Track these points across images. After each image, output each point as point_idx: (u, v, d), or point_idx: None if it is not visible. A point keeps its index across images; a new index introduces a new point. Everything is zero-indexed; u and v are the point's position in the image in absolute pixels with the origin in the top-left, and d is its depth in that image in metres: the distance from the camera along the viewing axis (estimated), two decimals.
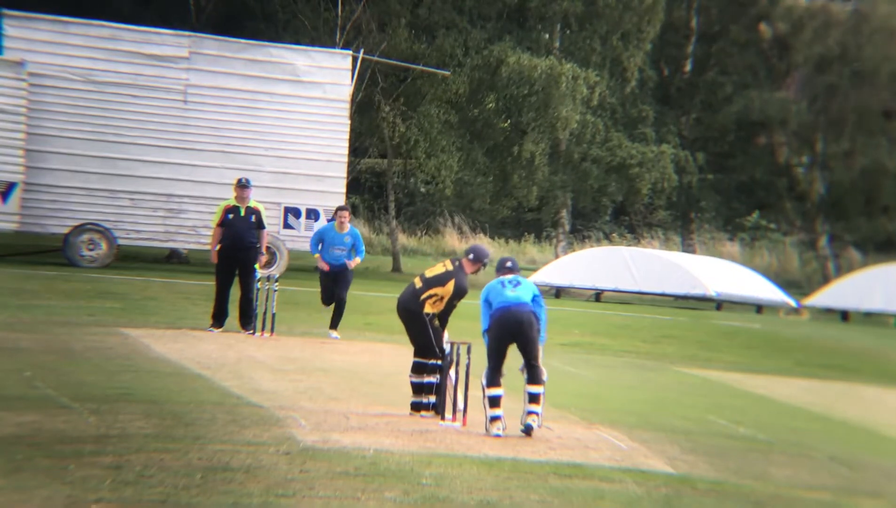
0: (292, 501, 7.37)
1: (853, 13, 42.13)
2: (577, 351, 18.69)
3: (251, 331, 16.31)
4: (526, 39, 37.03)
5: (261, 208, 16.78)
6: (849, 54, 41.68)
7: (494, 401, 10.23)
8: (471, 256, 11.11)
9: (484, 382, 10.30)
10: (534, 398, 10.27)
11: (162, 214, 27.62)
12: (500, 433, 10.13)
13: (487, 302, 10.48)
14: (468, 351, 10.37)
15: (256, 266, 16.54)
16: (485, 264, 11.20)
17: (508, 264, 10.77)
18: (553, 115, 35.17)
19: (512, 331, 10.32)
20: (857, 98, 41.89)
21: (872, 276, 32.80)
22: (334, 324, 16.81)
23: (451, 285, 10.91)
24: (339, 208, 17.39)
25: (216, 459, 8.26)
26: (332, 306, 16.98)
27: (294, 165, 28.43)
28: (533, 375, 10.34)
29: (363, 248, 17.23)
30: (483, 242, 45.64)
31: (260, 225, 16.55)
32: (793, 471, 10.23)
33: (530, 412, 10.24)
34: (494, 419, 10.21)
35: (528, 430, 10.18)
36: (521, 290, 10.47)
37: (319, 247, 16.92)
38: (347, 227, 16.95)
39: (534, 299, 10.50)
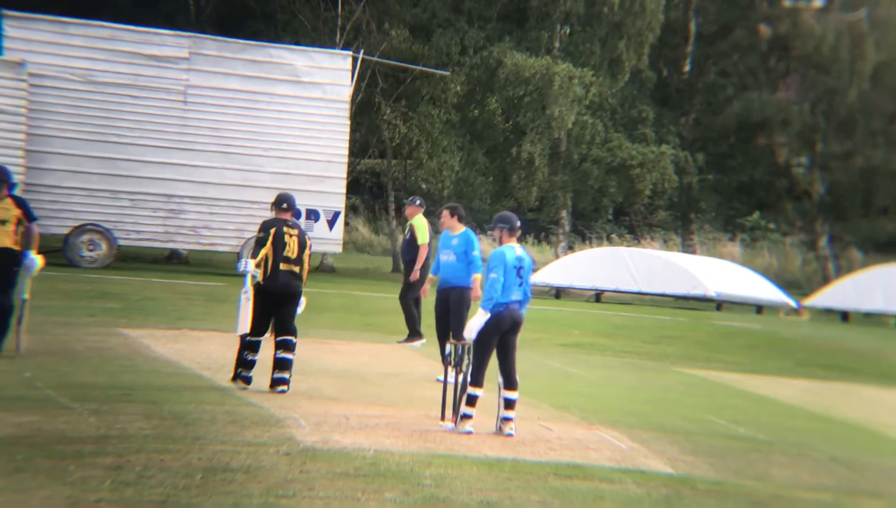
0: (292, 502, 7.36)
1: (867, 19, 42.15)
2: (577, 352, 18.69)
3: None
4: (525, 40, 37.02)
5: (414, 223, 16.17)
6: (855, 57, 41.67)
7: (473, 400, 10.17)
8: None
9: (470, 380, 10.17)
10: (511, 404, 10.18)
11: (162, 214, 27.61)
12: (472, 430, 10.08)
13: (494, 272, 10.08)
14: (468, 352, 10.34)
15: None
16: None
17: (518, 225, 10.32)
18: (549, 114, 35.16)
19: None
20: (863, 100, 41.90)
21: (872, 276, 32.80)
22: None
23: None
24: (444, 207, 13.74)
25: (216, 459, 8.26)
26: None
27: (294, 165, 28.40)
28: (512, 380, 10.24)
29: (477, 256, 13.23)
30: (483, 242, 45.61)
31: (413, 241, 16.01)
32: (793, 471, 10.22)
33: (507, 419, 10.15)
34: (468, 416, 10.15)
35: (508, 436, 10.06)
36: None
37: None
38: (459, 227, 13.35)
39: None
